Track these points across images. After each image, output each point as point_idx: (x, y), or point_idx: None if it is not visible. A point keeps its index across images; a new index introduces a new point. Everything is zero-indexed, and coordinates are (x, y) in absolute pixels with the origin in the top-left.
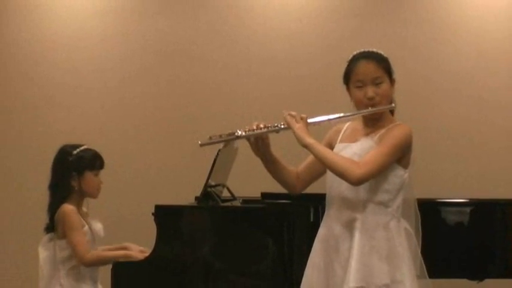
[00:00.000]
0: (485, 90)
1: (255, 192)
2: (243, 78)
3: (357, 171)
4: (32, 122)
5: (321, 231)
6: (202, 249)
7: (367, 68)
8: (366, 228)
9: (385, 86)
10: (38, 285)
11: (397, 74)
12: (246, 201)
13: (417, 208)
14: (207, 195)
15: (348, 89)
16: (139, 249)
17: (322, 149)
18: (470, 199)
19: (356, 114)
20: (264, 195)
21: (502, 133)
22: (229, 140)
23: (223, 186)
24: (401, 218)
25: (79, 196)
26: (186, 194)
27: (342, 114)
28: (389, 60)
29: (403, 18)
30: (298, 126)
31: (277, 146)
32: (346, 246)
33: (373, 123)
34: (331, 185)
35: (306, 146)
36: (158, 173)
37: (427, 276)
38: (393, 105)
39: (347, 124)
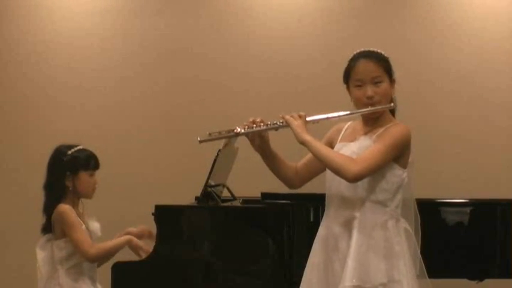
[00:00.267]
0: (485, 90)
1: (255, 192)
2: (242, 78)
3: (353, 168)
4: (32, 121)
5: (321, 231)
6: (202, 249)
7: (366, 67)
8: (364, 227)
9: (384, 85)
10: (37, 286)
11: (397, 75)
12: (246, 201)
13: (416, 208)
14: (207, 195)
15: (348, 88)
16: (139, 230)
17: (319, 146)
18: (470, 199)
19: (355, 113)
20: (264, 195)
21: (502, 133)
22: (229, 136)
23: (223, 186)
24: (401, 218)
25: (74, 196)
26: (186, 194)
27: (341, 113)
28: (389, 60)
29: (403, 18)
30: (296, 124)
31: (277, 143)
32: (345, 245)
33: (372, 122)
34: (331, 185)
35: (303, 142)
36: (158, 173)
37: (427, 277)
38: (392, 104)
39: (348, 123)
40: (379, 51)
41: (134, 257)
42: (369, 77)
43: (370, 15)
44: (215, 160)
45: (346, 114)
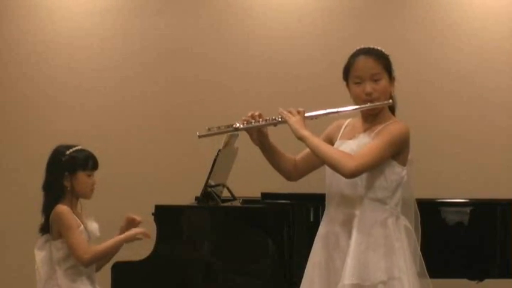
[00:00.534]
0: (485, 90)
1: (255, 192)
2: (242, 78)
3: (350, 164)
4: (32, 121)
5: (321, 229)
6: (202, 249)
7: (366, 64)
8: (364, 225)
9: (383, 82)
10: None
11: (397, 74)
12: (246, 201)
13: (416, 206)
14: (207, 195)
15: (347, 85)
16: (129, 219)
17: (317, 141)
18: (470, 199)
19: (353, 109)
20: (264, 195)
21: (502, 133)
22: (227, 131)
23: (223, 186)
24: (401, 215)
25: (72, 196)
26: (186, 194)
27: (339, 109)
28: (389, 58)
29: (403, 18)
30: (294, 119)
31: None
32: (346, 243)
33: (371, 119)
34: (331, 183)
35: (301, 138)
36: (158, 173)
37: (427, 274)
38: (390, 101)
39: (348, 120)
40: (379, 48)
41: (134, 257)
42: (368, 74)
43: (370, 15)
44: (215, 160)
45: (345, 110)
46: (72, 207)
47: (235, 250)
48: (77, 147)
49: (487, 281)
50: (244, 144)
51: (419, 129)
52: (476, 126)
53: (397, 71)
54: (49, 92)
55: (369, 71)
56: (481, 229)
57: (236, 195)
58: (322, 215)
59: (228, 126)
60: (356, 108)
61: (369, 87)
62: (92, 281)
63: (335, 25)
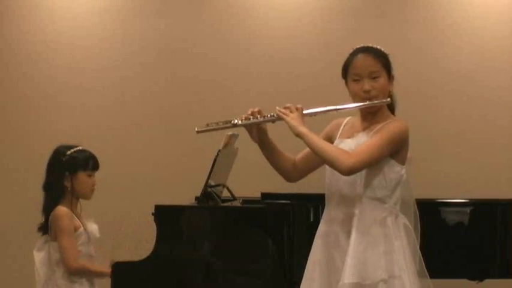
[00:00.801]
0: (486, 89)
1: (255, 192)
2: (242, 77)
3: (348, 161)
4: (32, 121)
5: (321, 228)
6: (202, 249)
7: (364, 62)
8: (363, 224)
9: (382, 80)
10: None
11: (397, 74)
12: (246, 201)
13: (415, 205)
14: (207, 195)
15: (346, 82)
16: None
17: (314, 138)
18: (470, 199)
19: (352, 106)
20: (264, 195)
21: (503, 133)
22: (226, 127)
23: (223, 186)
24: (400, 214)
25: (73, 197)
26: (186, 194)
27: (338, 106)
28: (388, 56)
29: (403, 17)
30: (292, 116)
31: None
32: (346, 241)
33: (370, 118)
34: (330, 182)
35: (298, 134)
36: (158, 173)
37: (427, 272)
38: (389, 99)
39: (347, 119)
40: (378, 47)
41: (134, 257)
42: (367, 72)
43: (370, 14)
44: (215, 160)
45: (343, 108)
46: (72, 207)
47: (235, 250)
48: (77, 148)
49: (487, 281)
50: (244, 144)
51: (419, 129)
52: (477, 125)
53: (397, 70)
54: (49, 91)
55: (367, 69)
56: (481, 229)
57: (236, 195)
58: (322, 215)
59: (227, 122)
60: (354, 106)
61: (367, 84)
62: (91, 283)
63: (335, 24)
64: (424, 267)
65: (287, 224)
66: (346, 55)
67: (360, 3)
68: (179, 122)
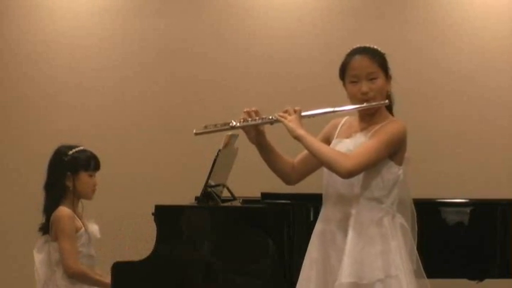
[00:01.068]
0: (486, 89)
1: (255, 192)
2: (242, 77)
3: (346, 163)
4: (33, 121)
5: (318, 227)
6: (202, 249)
7: (361, 63)
8: (360, 224)
9: (379, 81)
10: None
11: (397, 74)
12: (246, 201)
13: (413, 205)
14: (207, 195)
15: (344, 84)
16: None
17: (313, 140)
18: (470, 199)
19: (350, 108)
20: (264, 195)
21: (503, 133)
22: (224, 129)
23: (223, 186)
24: (397, 214)
25: (74, 197)
26: (186, 194)
27: (336, 108)
28: (385, 56)
29: (403, 18)
30: (290, 118)
31: (274, 138)
32: (342, 241)
33: (368, 118)
34: (327, 182)
35: (297, 137)
36: (158, 173)
37: (424, 272)
38: (387, 101)
39: (344, 119)
40: (375, 47)
41: (134, 257)
42: (364, 73)
43: (370, 15)
44: (215, 160)
45: (342, 110)
46: (74, 207)
47: (235, 250)
48: (79, 148)
49: (487, 281)
50: (244, 144)
51: (420, 129)
52: (477, 125)
53: (397, 71)
54: (49, 91)
55: (364, 70)
56: (481, 229)
57: (236, 195)
58: None
59: (225, 124)
60: (353, 108)
61: (365, 86)
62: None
63: (335, 25)
64: (421, 267)
65: (287, 224)
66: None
67: (360, 4)
68: (179, 122)
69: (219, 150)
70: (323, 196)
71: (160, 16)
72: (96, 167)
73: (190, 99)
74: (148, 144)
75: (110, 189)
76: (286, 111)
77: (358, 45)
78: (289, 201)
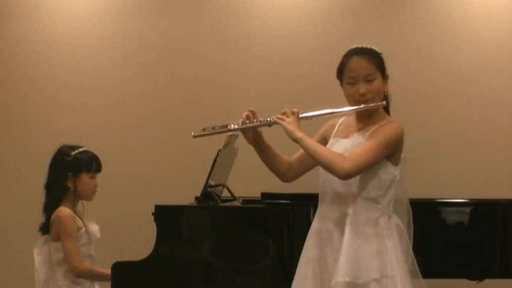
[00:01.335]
0: (486, 89)
1: (255, 192)
2: (242, 77)
3: (345, 165)
4: (33, 121)
5: (314, 226)
6: (202, 249)
7: (359, 65)
8: (356, 224)
9: (377, 82)
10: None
11: (397, 74)
12: (246, 201)
13: (409, 205)
14: (207, 195)
15: (341, 84)
16: None
17: (311, 143)
18: (470, 199)
19: (348, 110)
20: (264, 195)
21: (503, 133)
22: (222, 132)
23: (223, 186)
24: (393, 214)
25: (74, 197)
26: (186, 194)
27: (334, 110)
28: (382, 56)
29: (403, 18)
30: (288, 121)
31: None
32: (338, 240)
33: (365, 119)
34: (324, 182)
35: (295, 139)
36: (158, 173)
37: (419, 272)
38: (384, 102)
39: (342, 119)
40: (372, 47)
41: (134, 257)
42: (362, 75)
43: (370, 15)
44: (215, 160)
45: (340, 111)
46: (73, 207)
47: (235, 250)
48: (81, 149)
49: (487, 281)
50: (244, 144)
51: (420, 129)
52: (477, 125)
53: (397, 71)
54: (49, 91)
55: (362, 72)
56: (481, 229)
57: (236, 195)
58: None
59: (223, 127)
60: (350, 109)
61: (362, 88)
62: (91, 282)
63: (335, 25)
64: (417, 267)
65: (287, 224)
66: None
67: (360, 4)
68: (179, 121)
69: (219, 150)
70: (319, 195)
71: (161, 16)
72: (98, 168)
73: (191, 99)
74: (148, 144)
75: (110, 189)
76: (284, 113)
77: (355, 46)
78: (289, 201)
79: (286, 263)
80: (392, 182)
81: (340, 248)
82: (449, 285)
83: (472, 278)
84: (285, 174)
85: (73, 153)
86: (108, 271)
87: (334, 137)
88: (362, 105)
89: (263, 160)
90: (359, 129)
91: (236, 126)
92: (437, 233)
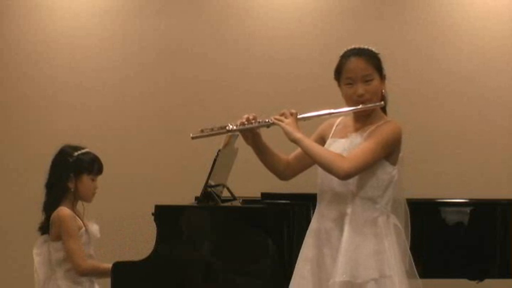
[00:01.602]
0: (486, 90)
1: (255, 192)
2: (242, 78)
3: (344, 166)
4: (33, 121)
5: (312, 226)
6: (202, 249)
7: (357, 66)
8: (355, 223)
9: (375, 83)
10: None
11: (397, 75)
12: (246, 201)
13: (406, 205)
14: (207, 195)
15: (339, 85)
16: None
17: (310, 143)
18: (470, 199)
19: (346, 110)
20: (264, 195)
21: (503, 133)
22: (221, 133)
23: (223, 186)
24: (391, 214)
25: (74, 198)
26: (186, 194)
27: (332, 110)
28: (379, 57)
29: (403, 19)
30: (287, 122)
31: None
32: (337, 240)
33: (363, 119)
34: (322, 181)
35: (294, 140)
36: (158, 173)
37: (416, 272)
38: (382, 103)
39: (340, 119)
40: (369, 48)
41: (134, 257)
42: (360, 75)
43: (370, 15)
44: (215, 160)
45: (338, 112)
46: (73, 207)
47: (235, 250)
48: (84, 150)
49: (487, 281)
50: (244, 144)
51: (420, 129)
52: (477, 126)
53: (397, 71)
54: (49, 91)
55: (360, 72)
56: (481, 229)
57: (236, 195)
58: None
59: (221, 128)
60: (348, 110)
61: (360, 88)
62: (91, 282)
63: (335, 25)
64: (414, 267)
65: (287, 224)
66: None
67: (359, 5)
68: (179, 122)
69: (219, 151)
70: (318, 195)
71: (161, 17)
72: (99, 171)
73: (191, 99)
74: (148, 144)
75: (110, 189)
76: (282, 114)
77: (353, 46)
78: (289, 201)
79: (286, 263)
80: (391, 182)
81: (338, 248)
82: (449, 285)
83: (472, 278)
84: (283, 172)
85: (76, 154)
86: (110, 265)
87: (332, 137)
88: (360, 106)
89: (261, 160)
90: (357, 130)
91: (234, 128)
92: (437, 233)
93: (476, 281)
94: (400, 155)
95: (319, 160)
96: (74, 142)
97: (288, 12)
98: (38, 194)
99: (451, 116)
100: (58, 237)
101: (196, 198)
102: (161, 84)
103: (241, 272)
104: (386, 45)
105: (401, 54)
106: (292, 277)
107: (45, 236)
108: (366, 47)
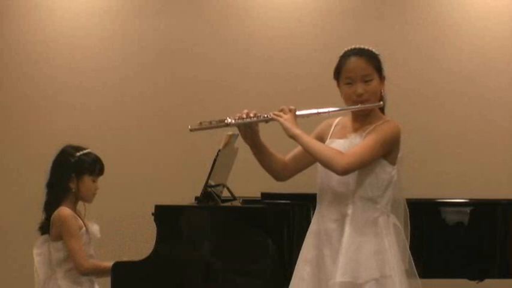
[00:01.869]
0: (487, 90)
1: (255, 192)
2: (242, 77)
3: (343, 161)
4: (32, 121)
5: (313, 226)
6: (202, 249)
7: (357, 65)
8: (355, 224)
9: (374, 83)
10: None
11: (398, 75)
12: (246, 201)
13: (406, 204)
14: (207, 195)
15: (338, 84)
16: None
17: (308, 139)
18: (470, 199)
19: (345, 109)
20: (264, 195)
21: (503, 133)
22: (219, 126)
23: (223, 186)
24: (391, 214)
25: (75, 198)
26: (186, 194)
27: (331, 109)
28: (379, 57)
29: (403, 19)
30: (285, 117)
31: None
32: (337, 240)
33: (362, 119)
34: (322, 181)
35: (292, 136)
36: (158, 173)
37: (416, 272)
38: (381, 103)
39: (338, 119)
40: (370, 48)
41: (134, 257)
42: (359, 75)
43: (370, 15)
44: (215, 160)
45: (336, 110)
46: (74, 208)
47: (235, 250)
48: (86, 150)
49: (487, 281)
50: (244, 144)
51: (420, 129)
52: (477, 126)
53: (397, 71)
54: (49, 91)
55: (360, 72)
56: (481, 229)
57: (236, 195)
58: None
59: (220, 122)
60: (347, 109)
61: (360, 88)
62: (91, 282)
63: (335, 25)
64: (414, 267)
65: (287, 224)
66: None
67: (360, 5)
68: (179, 122)
69: (219, 150)
70: (318, 195)
71: (160, 17)
72: (101, 172)
73: (190, 99)
74: (148, 144)
75: (110, 189)
76: (281, 110)
77: (353, 46)
78: (289, 201)
79: (286, 263)
80: (390, 181)
81: (339, 249)
82: (449, 285)
83: (472, 278)
84: (280, 173)
85: (77, 154)
86: (111, 262)
87: (330, 137)
88: (359, 105)
89: (258, 160)
90: (355, 130)
91: (233, 121)
92: (437, 233)
93: (476, 281)
94: (400, 154)
95: (318, 156)
96: (74, 142)
97: (287, 12)
98: (38, 194)
99: (451, 116)
100: (58, 237)
101: (196, 198)
102: (161, 84)
103: (241, 272)
104: (387, 45)
105: (402, 54)
106: (292, 278)
107: (45, 236)
108: (366, 47)
